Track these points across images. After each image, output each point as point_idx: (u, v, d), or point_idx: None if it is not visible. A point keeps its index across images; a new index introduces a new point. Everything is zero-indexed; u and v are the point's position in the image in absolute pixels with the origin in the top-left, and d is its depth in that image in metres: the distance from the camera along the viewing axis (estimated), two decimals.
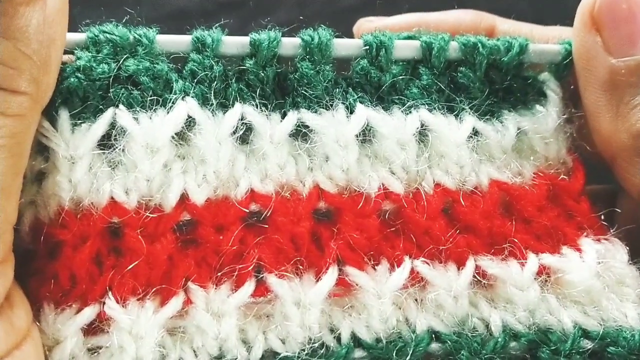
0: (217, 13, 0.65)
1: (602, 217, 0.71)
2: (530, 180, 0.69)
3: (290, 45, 0.66)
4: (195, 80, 0.63)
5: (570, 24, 0.70)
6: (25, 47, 0.55)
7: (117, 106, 0.60)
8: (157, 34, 0.63)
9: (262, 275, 0.62)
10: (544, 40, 0.75)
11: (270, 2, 0.67)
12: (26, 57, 0.55)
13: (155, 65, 0.62)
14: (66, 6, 0.58)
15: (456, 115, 0.68)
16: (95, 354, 0.58)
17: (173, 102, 0.61)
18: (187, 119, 0.62)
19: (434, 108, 0.67)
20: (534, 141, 0.71)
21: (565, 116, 0.71)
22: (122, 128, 0.60)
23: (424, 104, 0.67)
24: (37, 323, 0.58)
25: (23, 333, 0.55)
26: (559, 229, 0.69)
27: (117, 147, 0.60)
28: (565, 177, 0.71)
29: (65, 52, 0.60)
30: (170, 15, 0.64)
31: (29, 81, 0.55)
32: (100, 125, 0.60)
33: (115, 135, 0.60)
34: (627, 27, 0.66)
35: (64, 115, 0.59)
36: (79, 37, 0.61)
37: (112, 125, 0.60)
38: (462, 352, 0.63)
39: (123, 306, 0.58)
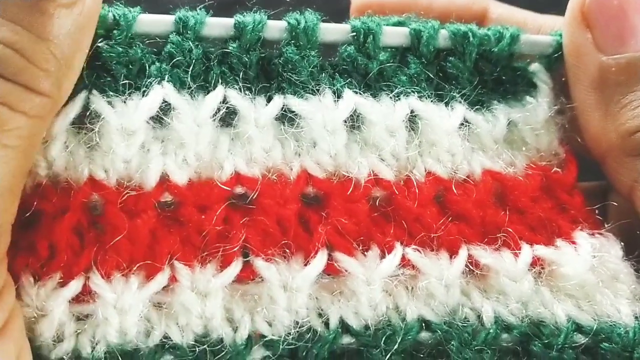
0: (216, 12, 0.68)
1: (597, 212, 0.75)
2: (522, 172, 0.74)
3: (275, 28, 0.70)
4: (172, 64, 0.67)
5: None
6: (56, 50, 0.59)
7: (91, 90, 0.65)
8: (139, 13, 0.67)
9: (249, 258, 0.65)
10: (537, 28, 0.80)
11: (270, 2, 0.70)
12: (56, 60, 0.59)
13: (129, 50, 0.66)
14: (98, 14, 0.63)
15: (446, 104, 0.73)
16: (82, 321, 0.63)
17: (148, 86, 0.65)
18: (165, 103, 0.66)
19: (424, 96, 0.72)
20: (525, 132, 0.75)
21: (556, 107, 0.76)
22: (96, 112, 0.64)
23: (412, 92, 0.71)
24: (18, 295, 0.61)
25: (10, 310, 0.59)
26: (553, 221, 0.73)
27: (92, 130, 0.64)
28: (557, 169, 0.75)
29: None
30: (164, 12, 0.68)
31: (54, 84, 0.59)
32: (73, 109, 0.64)
33: (91, 118, 0.64)
34: (618, 24, 0.70)
35: None
36: None
37: (86, 107, 0.64)
38: (452, 342, 0.66)
39: (108, 281, 0.62)
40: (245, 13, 0.69)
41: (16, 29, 0.57)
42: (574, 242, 0.71)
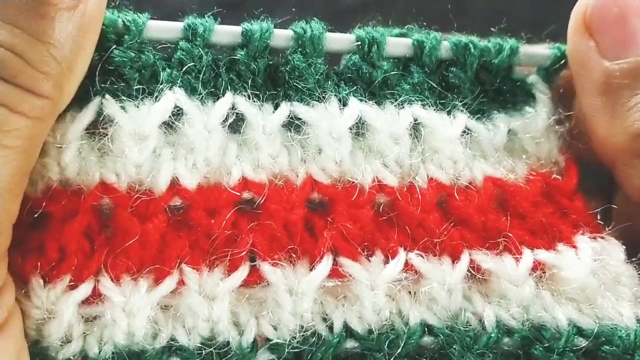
0: (216, 13, 0.69)
1: (598, 215, 0.76)
2: (523, 178, 0.75)
3: (282, 37, 0.71)
4: (183, 71, 0.68)
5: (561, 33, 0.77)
6: (56, 53, 0.59)
7: (104, 95, 0.66)
8: (148, 19, 0.68)
9: (256, 263, 0.67)
10: None
11: (270, 2, 0.72)
12: (56, 63, 0.60)
13: (142, 55, 0.67)
14: (101, 16, 0.64)
15: (448, 113, 0.74)
16: (90, 322, 0.64)
17: (160, 92, 0.67)
18: (176, 108, 0.67)
19: (427, 104, 0.73)
20: (525, 141, 0.77)
21: (555, 117, 0.77)
22: (110, 117, 0.65)
23: (416, 100, 0.73)
24: (27, 297, 0.62)
25: (10, 310, 0.60)
26: (554, 226, 0.74)
27: (105, 135, 0.65)
28: (558, 176, 0.76)
29: None
30: (168, 15, 0.69)
31: (54, 86, 0.60)
32: (87, 114, 0.65)
33: (104, 123, 0.66)
34: (619, 29, 0.72)
35: None
36: None
37: (99, 112, 0.66)
38: (454, 346, 0.67)
39: (117, 284, 0.64)
40: (252, 20, 0.70)
41: (15, 32, 0.57)
42: (575, 246, 0.72)
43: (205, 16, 0.69)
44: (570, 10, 0.74)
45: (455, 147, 0.72)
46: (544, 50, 0.78)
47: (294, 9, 0.73)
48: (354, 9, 0.89)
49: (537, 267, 0.71)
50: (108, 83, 0.66)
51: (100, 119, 0.65)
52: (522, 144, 0.76)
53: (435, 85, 0.74)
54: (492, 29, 0.79)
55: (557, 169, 0.77)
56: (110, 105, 0.65)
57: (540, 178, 0.75)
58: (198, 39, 0.68)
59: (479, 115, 0.75)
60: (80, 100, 0.65)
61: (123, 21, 0.66)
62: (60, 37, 0.59)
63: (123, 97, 0.66)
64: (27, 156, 0.60)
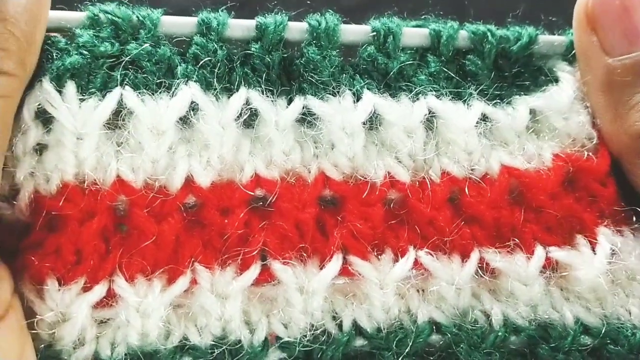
0: (229, 7, 0.69)
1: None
2: (550, 163, 0.73)
3: (296, 30, 0.71)
4: (198, 65, 0.68)
5: (571, 25, 0.75)
6: (14, 28, 0.59)
7: (124, 87, 0.66)
8: (162, 14, 0.68)
9: (266, 262, 0.68)
10: None
11: (270, 2, 0.71)
12: (15, 39, 0.60)
13: (158, 49, 0.67)
14: None
15: (465, 102, 0.73)
16: (102, 324, 0.65)
17: (177, 87, 0.67)
18: (191, 104, 0.67)
19: (442, 94, 0.73)
20: (552, 118, 0.74)
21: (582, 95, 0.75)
22: (129, 109, 0.66)
23: (431, 91, 0.72)
24: (41, 299, 0.63)
25: (6, 305, 0.60)
26: (577, 215, 0.72)
27: (124, 128, 0.66)
28: (592, 155, 0.73)
29: (63, 32, 0.66)
30: (181, 14, 0.69)
31: (17, 63, 0.60)
32: (108, 105, 0.65)
33: (123, 115, 0.66)
34: (621, 23, 0.70)
35: (71, 90, 0.65)
36: (77, 15, 0.67)
37: (118, 104, 0.66)
38: (461, 345, 0.68)
39: (131, 284, 0.65)
40: (265, 14, 0.70)
41: None
42: (594, 240, 0.71)
43: (219, 11, 0.70)
44: (572, 11, 0.73)
45: (470, 137, 0.71)
46: (563, 37, 0.77)
47: (311, 9, 0.72)
48: (354, 9, 0.88)
49: (549, 264, 0.70)
50: (127, 74, 0.66)
51: (123, 111, 0.66)
52: (549, 122, 0.74)
53: (452, 74, 0.73)
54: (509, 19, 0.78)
55: (592, 146, 0.74)
56: (130, 97, 0.66)
57: (566, 163, 0.73)
58: (212, 33, 0.68)
59: (498, 100, 0.74)
60: (102, 87, 0.65)
61: (137, 16, 0.67)
62: (15, 12, 0.59)
63: (143, 90, 0.66)
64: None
